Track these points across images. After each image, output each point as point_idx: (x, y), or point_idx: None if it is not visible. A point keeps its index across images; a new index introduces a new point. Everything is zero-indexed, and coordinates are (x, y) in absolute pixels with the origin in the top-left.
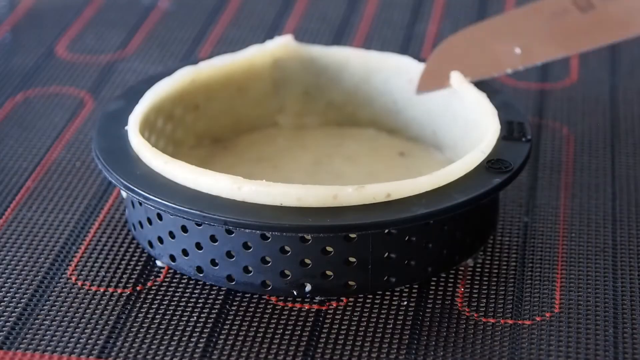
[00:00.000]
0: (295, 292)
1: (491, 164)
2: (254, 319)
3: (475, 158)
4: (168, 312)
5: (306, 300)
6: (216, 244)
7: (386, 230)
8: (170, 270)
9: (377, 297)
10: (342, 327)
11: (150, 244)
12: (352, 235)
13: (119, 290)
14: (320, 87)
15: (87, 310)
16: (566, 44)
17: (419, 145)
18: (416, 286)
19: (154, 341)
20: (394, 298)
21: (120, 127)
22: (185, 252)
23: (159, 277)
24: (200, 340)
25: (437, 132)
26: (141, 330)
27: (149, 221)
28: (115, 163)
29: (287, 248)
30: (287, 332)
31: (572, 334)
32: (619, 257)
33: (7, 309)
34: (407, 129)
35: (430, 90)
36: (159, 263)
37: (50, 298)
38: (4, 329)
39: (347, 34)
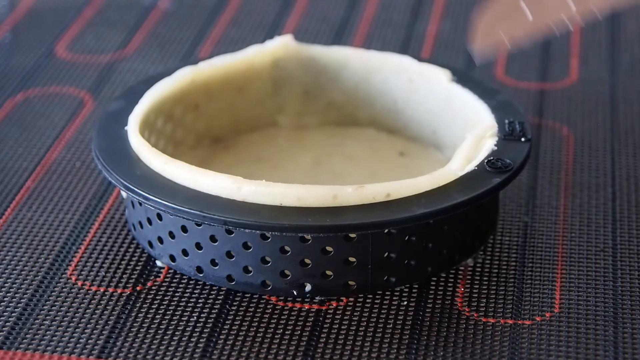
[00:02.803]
0: (295, 292)
1: (491, 163)
2: (254, 319)
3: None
4: (168, 312)
5: (306, 300)
6: (216, 244)
7: (386, 230)
8: (170, 271)
9: (377, 297)
10: (342, 327)
11: (150, 244)
12: (352, 235)
13: (119, 290)
14: (320, 87)
15: (87, 310)
16: None
17: (419, 145)
18: (416, 286)
19: (154, 341)
20: (394, 298)
21: (120, 127)
22: (185, 252)
23: (159, 277)
24: (200, 340)
25: (437, 132)
26: (141, 330)
27: (149, 221)
28: (115, 163)
29: (287, 248)
30: (287, 332)
31: (572, 334)
32: (619, 257)
33: (7, 309)
34: (407, 129)
35: (486, 47)
36: (159, 263)
37: (50, 298)
38: (4, 329)
39: (347, 34)
